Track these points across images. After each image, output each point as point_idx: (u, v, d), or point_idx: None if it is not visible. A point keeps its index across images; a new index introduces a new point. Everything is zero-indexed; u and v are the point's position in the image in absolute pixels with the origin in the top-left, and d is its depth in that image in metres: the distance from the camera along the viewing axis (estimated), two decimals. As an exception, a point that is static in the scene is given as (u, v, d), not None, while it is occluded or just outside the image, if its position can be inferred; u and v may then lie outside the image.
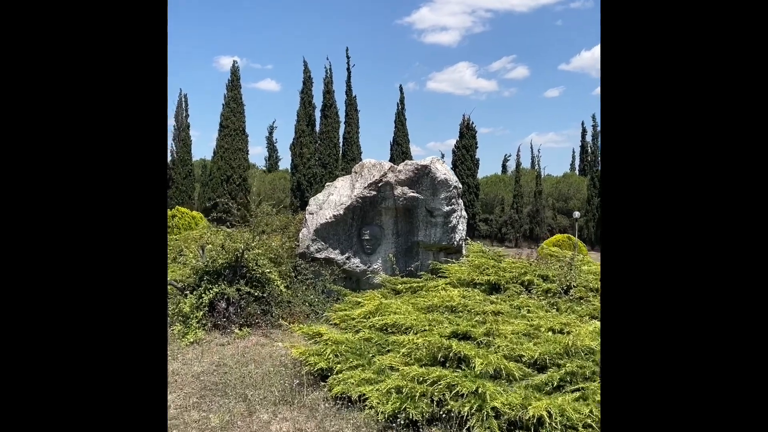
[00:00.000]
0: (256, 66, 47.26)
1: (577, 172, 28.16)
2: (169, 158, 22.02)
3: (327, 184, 7.49)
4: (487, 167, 37.48)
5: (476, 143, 22.44)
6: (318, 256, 6.82)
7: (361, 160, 16.09)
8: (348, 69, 22.01)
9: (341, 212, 6.78)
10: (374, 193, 6.80)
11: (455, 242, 7.10)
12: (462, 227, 7.30)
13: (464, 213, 7.46)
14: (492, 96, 47.69)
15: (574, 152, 32.32)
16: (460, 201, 7.27)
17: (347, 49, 21.70)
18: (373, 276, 6.95)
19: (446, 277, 6.56)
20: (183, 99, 23.51)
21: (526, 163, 26.58)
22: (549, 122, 49.55)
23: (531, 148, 38.91)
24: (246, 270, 6.07)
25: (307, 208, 7.15)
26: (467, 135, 22.37)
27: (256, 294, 5.96)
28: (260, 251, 6.06)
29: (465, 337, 4.58)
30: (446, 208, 6.92)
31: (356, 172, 7.12)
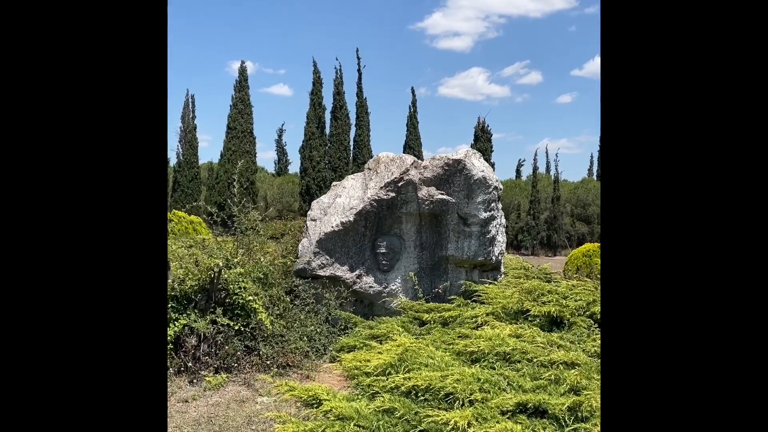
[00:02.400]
0: (269, 71, 45.75)
1: (595, 177, 26.35)
2: (174, 161, 20.54)
3: (334, 183, 5.92)
4: (500, 173, 35.84)
5: (492, 147, 20.83)
6: (321, 273, 5.22)
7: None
8: (359, 70, 20.48)
9: (351, 219, 5.17)
10: (393, 194, 5.18)
11: (493, 257, 5.46)
12: (501, 238, 5.68)
13: (504, 221, 5.81)
14: (504, 101, 45.77)
15: (592, 157, 30.35)
16: (500, 205, 5.63)
17: (357, 50, 20.17)
18: (391, 299, 5.35)
19: (485, 303, 4.89)
20: (190, 100, 22.04)
21: (541, 168, 24.77)
22: (561, 128, 47.45)
23: (546, 153, 36.70)
24: (225, 294, 4.41)
25: (309, 213, 5.55)
26: (482, 138, 20.76)
27: (237, 327, 4.30)
28: (242, 270, 4.39)
29: (537, 411, 2.88)
30: (484, 215, 5.27)
31: (370, 169, 5.50)
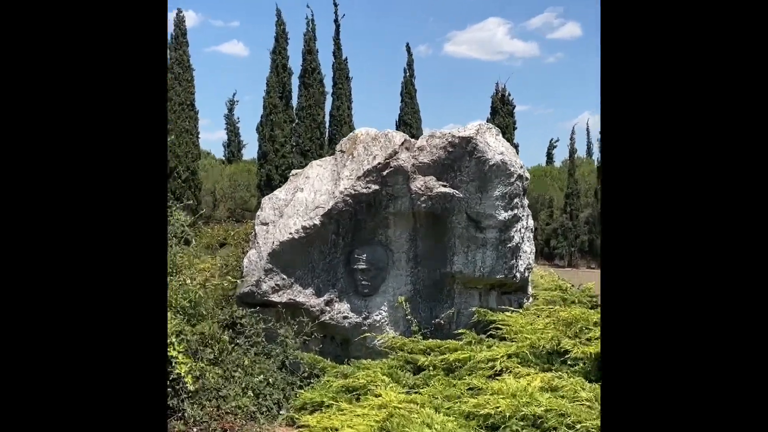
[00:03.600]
0: (218, 23, 45.04)
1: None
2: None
3: (293, 172, 5.69)
4: (526, 157, 35.79)
5: (514, 122, 20.92)
6: (275, 299, 4.97)
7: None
8: (336, 21, 20.23)
9: (317, 222, 4.93)
10: (376, 187, 4.94)
11: (517, 274, 5.23)
12: (529, 248, 5.49)
13: (531, 222, 5.59)
14: (531, 63, 45.44)
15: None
16: (526, 202, 5.42)
17: (334, -6, 19.81)
18: (374, 335, 5.10)
19: (507, 339, 4.62)
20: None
21: (580, 151, 24.67)
22: (607, 98, 47.22)
23: (587, 130, 35.56)
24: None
25: (259, 214, 5.31)
26: (502, 111, 20.72)
27: (150, 379, 3.94)
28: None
29: None
30: (504, 215, 5.03)
31: (344, 152, 5.25)
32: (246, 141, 25.72)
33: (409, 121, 21.53)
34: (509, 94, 21.05)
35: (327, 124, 20.38)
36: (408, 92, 21.91)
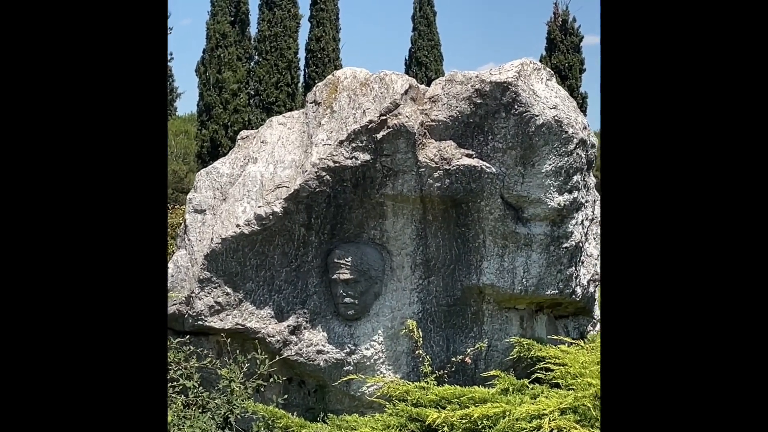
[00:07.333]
0: None
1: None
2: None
3: (243, 134, 5.92)
4: (597, 115, 36.07)
5: (581, 62, 21.29)
6: (215, 323, 5.13)
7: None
8: None
9: (278, 209, 5.05)
10: (366, 156, 5.04)
11: (578, 288, 5.43)
12: (596, 250, 5.77)
13: (598, 211, 5.83)
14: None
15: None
16: (593, 181, 5.62)
17: None
18: (362, 377, 5.23)
19: (561, 385, 4.77)
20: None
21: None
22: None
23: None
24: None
25: (191, 197, 5.55)
26: (562, 45, 21.27)
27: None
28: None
29: None
30: (558, 199, 5.15)
31: (319, 104, 5.42)
32: (182, 88, 25.94)
33: (424, 60, 21.82)
34: (574, 20, 21.35)
35: (302, 63, 20.52)
36: (423, 16, 22.15)
